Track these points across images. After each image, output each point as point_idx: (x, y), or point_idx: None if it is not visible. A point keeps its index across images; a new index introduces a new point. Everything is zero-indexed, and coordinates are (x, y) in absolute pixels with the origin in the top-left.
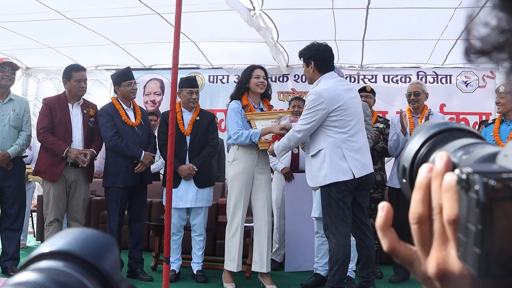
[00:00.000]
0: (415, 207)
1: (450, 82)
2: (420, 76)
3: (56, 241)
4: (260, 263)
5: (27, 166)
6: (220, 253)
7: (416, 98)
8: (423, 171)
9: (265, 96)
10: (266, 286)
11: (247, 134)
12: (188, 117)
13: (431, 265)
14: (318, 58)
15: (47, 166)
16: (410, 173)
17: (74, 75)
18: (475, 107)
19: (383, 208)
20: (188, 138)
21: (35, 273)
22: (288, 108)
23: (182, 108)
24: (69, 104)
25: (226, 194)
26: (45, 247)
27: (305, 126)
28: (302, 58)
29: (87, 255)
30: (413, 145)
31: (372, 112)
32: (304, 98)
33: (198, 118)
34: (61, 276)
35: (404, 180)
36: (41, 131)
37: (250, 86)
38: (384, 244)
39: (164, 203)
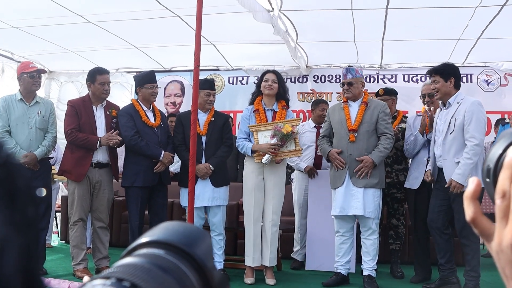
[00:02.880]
0: (501, 184)
1: (471, 81)
2: None
3: (156, 232)
4: (264, 257)
5: (52, 168)
6: (241, 252)
7: (431, 100)
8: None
9: (281, 98)
10: (266, 279)
11: (243, 147)
12: (203, 118)
13: (507, 236)
14: (457, 76)
15: (72, 166)
16: (494, 173)
17: (98, 78)
18: (496, 105)
19: (473, 181)
20: (204, 138)
21: (137, 257)
22: (313, 110)
23: (198, 109)
24: (93, 106)
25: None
26: (146, 237)
27: (482, 136)
28: (437, 74)
29: (184, 244)
30: (498, 148)
31: (397, 112)
32: (323, 98)
33: (213, 119)
34: (161, 260)
35: (488, 180)
36: (69, 131)
37: (262, 90)
38: (468, 214)
39: (181, 204)
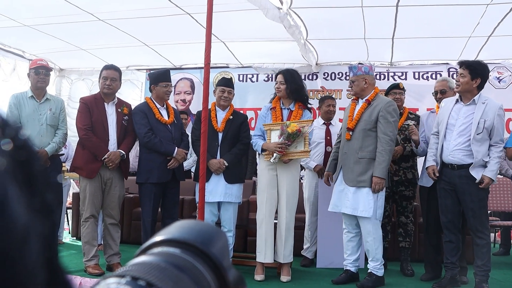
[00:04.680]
0: None
1: None
2: (451, 73)
3: (171, 231)
4: (278, 254)
5: (62, 164)
6: (251, 249)
7: (443, 96)
8: None
9: (296, 96)
10: (280, 276)
11: (255, 144)
12: (222, 115)
13: None
14: (484, 78)
15: (84, 163)
16: None
17: (102, 73)
18: (508, 103)
19: None
20: (220, 135)
21: (152, 256)
22: (320, 106)
23: (216, 107)
24: (105, 103)
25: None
26: (161, 236)
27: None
28: (468, 69)
29: (200, 243)
30: None
31: (403, 109)
32: (333, 95)
33: (231, 117)
34: (177, 259)
35: None
36: (83, 128)
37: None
38: None
39: (197, 199)
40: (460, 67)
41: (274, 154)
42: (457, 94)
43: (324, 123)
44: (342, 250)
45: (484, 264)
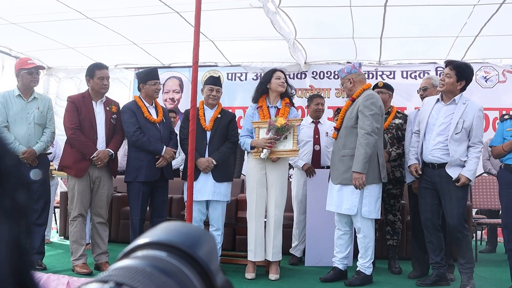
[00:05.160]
0: None
1: None
2: (438, 72)
3: (157, 233)
4: (267, 252)
5: (50, 164)
6: (240, 248)
7: (424, 93)
8: None
9: (286, 95)
10: (269, 275)
11: (244, 143)
12: (210, 114)
13: None
14: (468, 81)
15: (73, 162)
16: None
17: (97, 73)
18: (495, 102)
19: None
20: (208, 134)
21: (137, 260)
22: (309, 105)
23: (204, 106)
24: (93, 102)
25: (245, 190)
26: (146, 238)
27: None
28: (455, 70)
29: (187, 246)
30: None
31: (391, 108)
32: (321, 94)
33: (219, 115)
34: (163, 263)
35: None
36: (71, 127)
37: (271, 87)
38: None
39: (185, 198)
40: (446, 67)
41: (264, 150)
42: (439, 94)
43: (312, 122)
44: (330, 248)
45: (467, 262)
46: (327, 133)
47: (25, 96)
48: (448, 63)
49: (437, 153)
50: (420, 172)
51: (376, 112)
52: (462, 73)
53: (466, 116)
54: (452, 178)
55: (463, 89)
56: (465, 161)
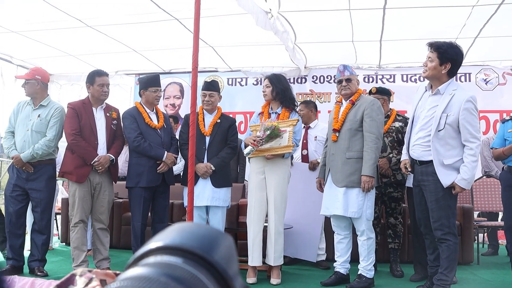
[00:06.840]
0: None
1: (470, 80)
2: None
3: (170, 235)
4: (268, 256)
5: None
6: (240, 253)
7: None
8: None
9: (283, 100)
10: (270, 279)
11: (242, 146)
12: (209, 119)
13: None
14: (457, 63)
15: (74, 168)
16: None
17: (97, 80)
18: (495, 104)
19: None
20: (207, 139)
21: (148, 267)
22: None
23: (204, 110)
24: (93, 108)
25: (247, 195)
26: (158, 242)
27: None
28: (436, 52)
29: (204, 250)
30: None
31: (390, 111)
32: (321, 98)
33: (219, 120)
34: (176, 271)
35: None
36: (72, 133)
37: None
38: None
39: (185, 204)
40: (428, 50)
41: (248, 147)
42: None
43: (303, 127)
44: (307, 242)
45: (443, 273)
46: (315, 137)
47: (34, 104)
48: (430, 45)
49: (418, 149)
50: (410, 169)
51: (381, 118)
52: (444, 54)
53: (450, 109)
54: (435, 176)
55: (451, 73)
56: (455, 162)
